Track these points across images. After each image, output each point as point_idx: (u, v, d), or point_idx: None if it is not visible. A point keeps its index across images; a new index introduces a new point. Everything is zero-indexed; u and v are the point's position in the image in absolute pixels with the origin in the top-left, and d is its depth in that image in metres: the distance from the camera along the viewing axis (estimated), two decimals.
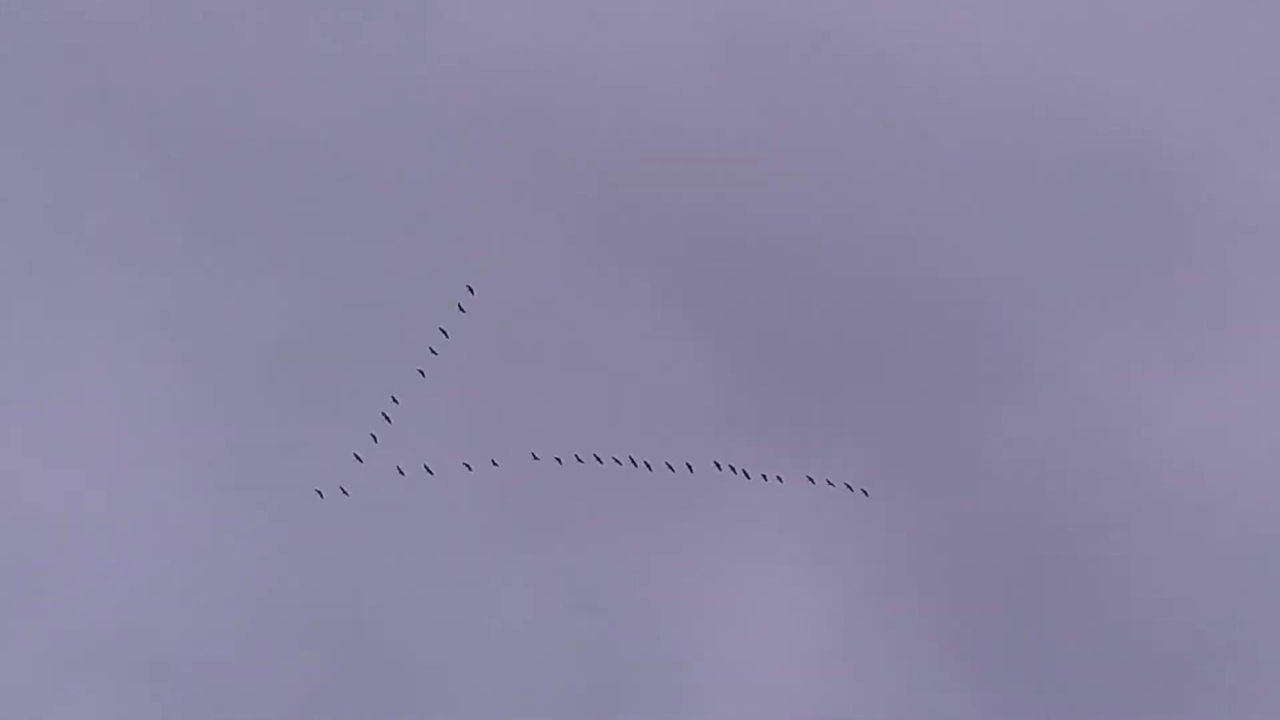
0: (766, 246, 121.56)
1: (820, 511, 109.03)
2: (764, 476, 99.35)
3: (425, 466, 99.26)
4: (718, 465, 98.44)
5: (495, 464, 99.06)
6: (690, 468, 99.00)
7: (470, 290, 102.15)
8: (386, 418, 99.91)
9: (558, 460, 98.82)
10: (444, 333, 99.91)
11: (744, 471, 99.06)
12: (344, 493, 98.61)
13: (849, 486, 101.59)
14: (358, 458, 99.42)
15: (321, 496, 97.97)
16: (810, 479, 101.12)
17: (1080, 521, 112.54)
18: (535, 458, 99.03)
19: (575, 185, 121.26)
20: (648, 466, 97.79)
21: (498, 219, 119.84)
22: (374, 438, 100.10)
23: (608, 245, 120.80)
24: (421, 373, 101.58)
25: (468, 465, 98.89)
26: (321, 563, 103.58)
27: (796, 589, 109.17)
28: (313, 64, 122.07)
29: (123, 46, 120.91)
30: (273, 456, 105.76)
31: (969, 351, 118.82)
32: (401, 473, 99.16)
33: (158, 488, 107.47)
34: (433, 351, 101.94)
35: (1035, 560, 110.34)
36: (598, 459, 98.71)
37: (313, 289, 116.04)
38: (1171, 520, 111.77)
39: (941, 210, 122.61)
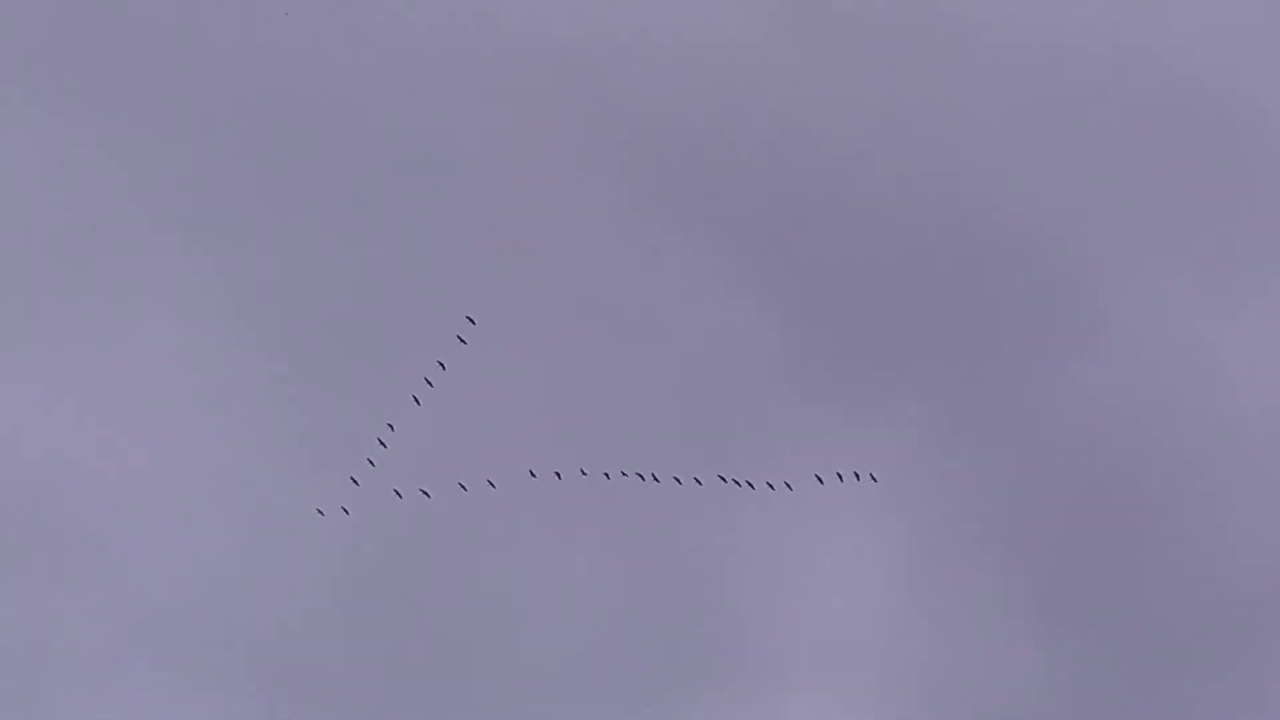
0: (826, 197, 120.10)
1: (886, 463, 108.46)
2: (770, 485, 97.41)
3: (421, 491, 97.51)
4: (722, 479, 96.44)
5: (493, 485, 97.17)
6: (698, 480, 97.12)
7: (471, 321, 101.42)
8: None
9: (557, 475, 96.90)
10: (441, 365, 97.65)
11: (748, 483, 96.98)
12: (345, 511, 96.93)
13: (856, 475, 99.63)
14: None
15: (322, 514, 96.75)
16: (819, 478, 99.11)
17: (1153, 469, 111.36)
18: (533, 475, 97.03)
19: (625, 142, 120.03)
20: (655, 479, 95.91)
21: (549, 180, 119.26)
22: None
23: (659, 203, 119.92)
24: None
25: (463, 485, 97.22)
26: (387, 527, 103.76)
27: (862, 543, 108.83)
28: (366, 27, 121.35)
29: (185, 18, 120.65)
30: (334, 421, 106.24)
31: (1037, 297, 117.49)
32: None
33: (221, 454, 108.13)
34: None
35: (1108, 510, 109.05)
36: (606, 475, 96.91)
37: (369, 256, 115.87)
38: (1247, 465, 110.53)
39: (1009, 155, 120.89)
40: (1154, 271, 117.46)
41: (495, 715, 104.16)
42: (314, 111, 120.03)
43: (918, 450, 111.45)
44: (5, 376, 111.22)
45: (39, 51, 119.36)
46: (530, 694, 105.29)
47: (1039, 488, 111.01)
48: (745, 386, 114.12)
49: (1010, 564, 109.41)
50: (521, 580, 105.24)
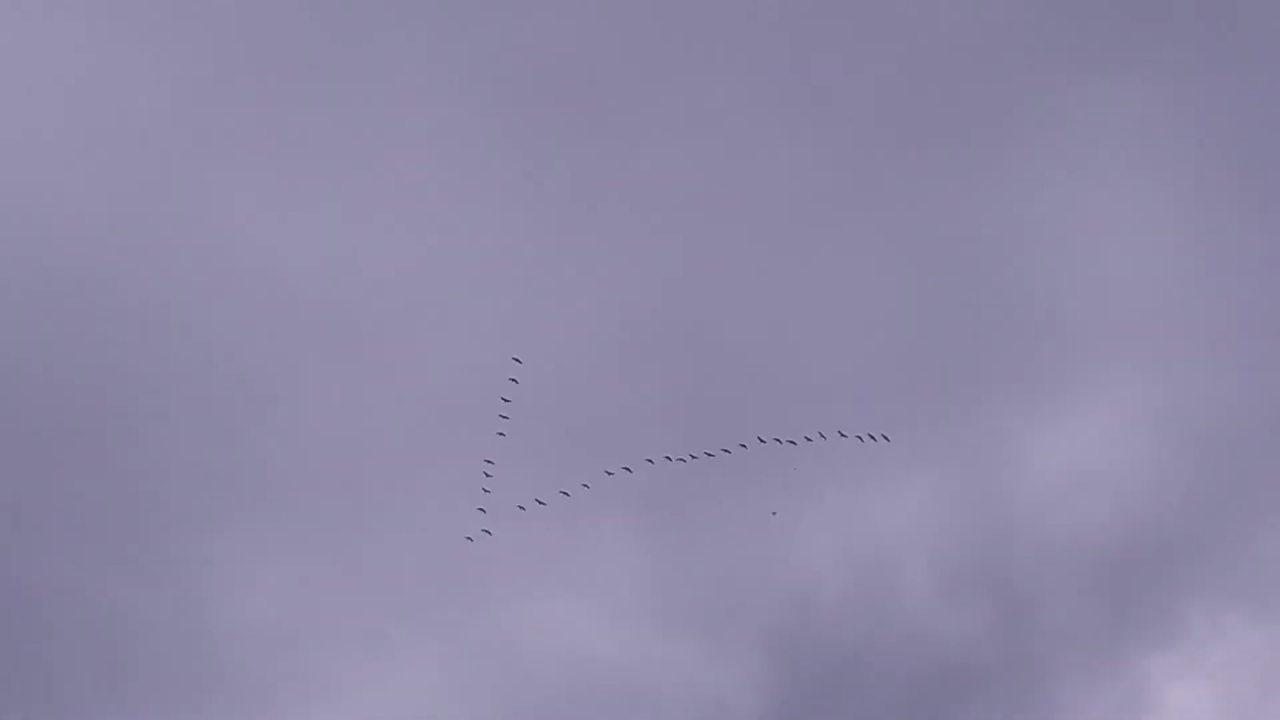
0: None
1: (1147, 113, 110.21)
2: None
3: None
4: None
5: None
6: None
7: (517, 360, 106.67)
8: None
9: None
10: (507, 405, 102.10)
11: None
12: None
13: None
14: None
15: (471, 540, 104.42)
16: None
17: None
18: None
19: None
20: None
21: None
22: None
23: None
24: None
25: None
26: (661, 271, 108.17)
27: (1140, 204, 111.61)
28: None
29: None
30: (592, 204, 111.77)
31: None
32: None
33: (486, 240, 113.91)
34: None
35: None
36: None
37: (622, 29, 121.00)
38: None
39: None
40: None
41: (785, 408, 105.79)
42: None
43: (1175, 97, 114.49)
44: (279, 186, 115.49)
45: None
46: (826, 390, 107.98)
47: None
48: (995, 50, 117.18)
49: None
50: (813, 284, 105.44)
